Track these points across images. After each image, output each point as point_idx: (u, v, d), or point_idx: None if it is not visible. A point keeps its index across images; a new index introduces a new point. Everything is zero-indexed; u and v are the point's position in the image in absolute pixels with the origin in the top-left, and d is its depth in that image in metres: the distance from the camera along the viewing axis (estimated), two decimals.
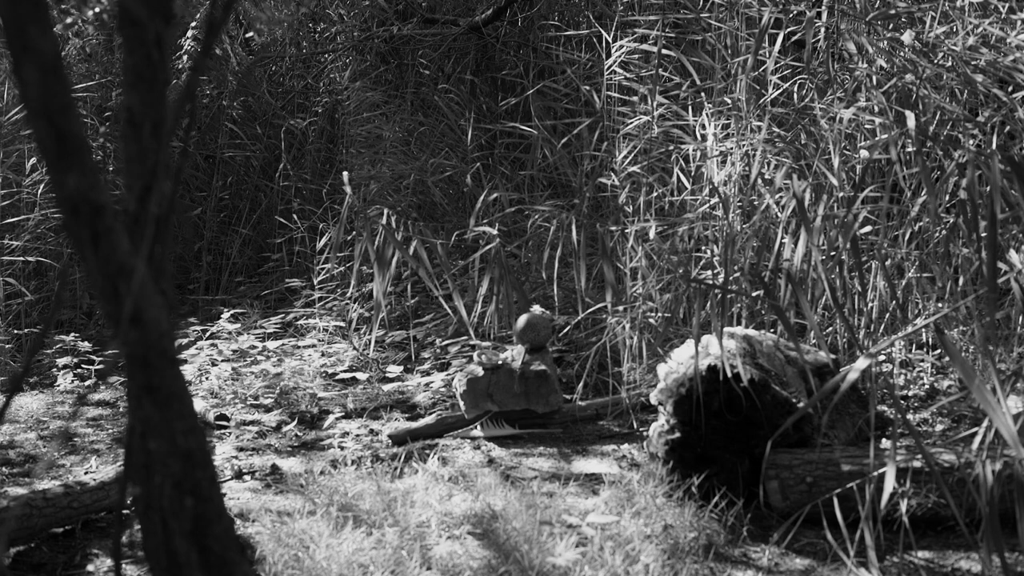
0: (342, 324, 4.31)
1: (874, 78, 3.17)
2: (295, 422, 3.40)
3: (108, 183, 5.11)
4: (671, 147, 3.44)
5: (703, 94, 3.50)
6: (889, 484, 1.99)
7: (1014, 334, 2.83)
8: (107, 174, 5.31)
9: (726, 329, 2.57)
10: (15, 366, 4.19)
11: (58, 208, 0.73)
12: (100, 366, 4.13)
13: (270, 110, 6.10)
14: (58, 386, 3.97)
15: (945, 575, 2.16)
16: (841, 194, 3.02)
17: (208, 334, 4.39)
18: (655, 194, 3.44)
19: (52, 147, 0.72)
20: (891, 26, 3.29)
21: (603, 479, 2.72)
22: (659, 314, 3.20)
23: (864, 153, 3.02)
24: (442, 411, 3.37)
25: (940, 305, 3.00)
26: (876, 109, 3.09)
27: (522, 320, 3.27)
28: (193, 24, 5.74)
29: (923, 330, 3.19)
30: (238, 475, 2.91)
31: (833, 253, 2.94)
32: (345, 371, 3.94)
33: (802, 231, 2.72)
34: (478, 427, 3.17)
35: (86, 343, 4.31)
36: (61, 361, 4.17)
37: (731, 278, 3.04)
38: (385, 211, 3.86)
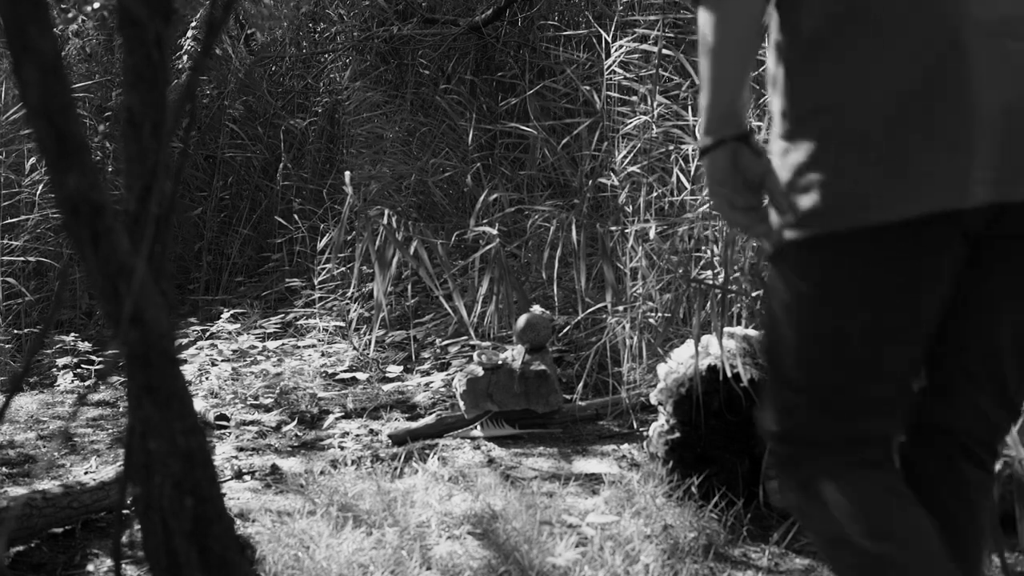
0: (342, 324, 4.31)
1: None
2: (295, 422, 3.40)
3: (108, 183, 5.11)
4: (671, 147, 3.44)
5: None
6: None
7: None
8: (107, 174, 5.31)
9: (726, 329, 2.57)
10: (15, 366, 4.19)
11: (58, 208, 0.73)
12: (100, 366, 4.13)
13: (270, 110, 6.10)
14: (58, 386, 3.97)
15: None
16: None
17: (208, 334, 4.39)
18: (655, 194, 3.44)
19: (52, 147, 0.72)
20: None
21: (603, 479, 2.72)
22: (659, 314, 3.20)
23: None
24: (442, 411, 3.37)
25: None
26: None
27: (522, 320, 3.27)
28: (193, 24, 5.74)
29: None
30: (238, 475, 2.91)
31: None
32: (345, 371, 3.94)
33: None
34: (478, 427, 3.17)
35: (86, 343, 4.31)
36: (61, 361, 4.17)
37: (731, 278, 3.04)
38: (386, 211, 3.87)
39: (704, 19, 1.23)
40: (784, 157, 1.24)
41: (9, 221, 4.77)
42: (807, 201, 1.21)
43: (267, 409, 3.54)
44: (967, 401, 1.32)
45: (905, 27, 1.18)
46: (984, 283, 1.27)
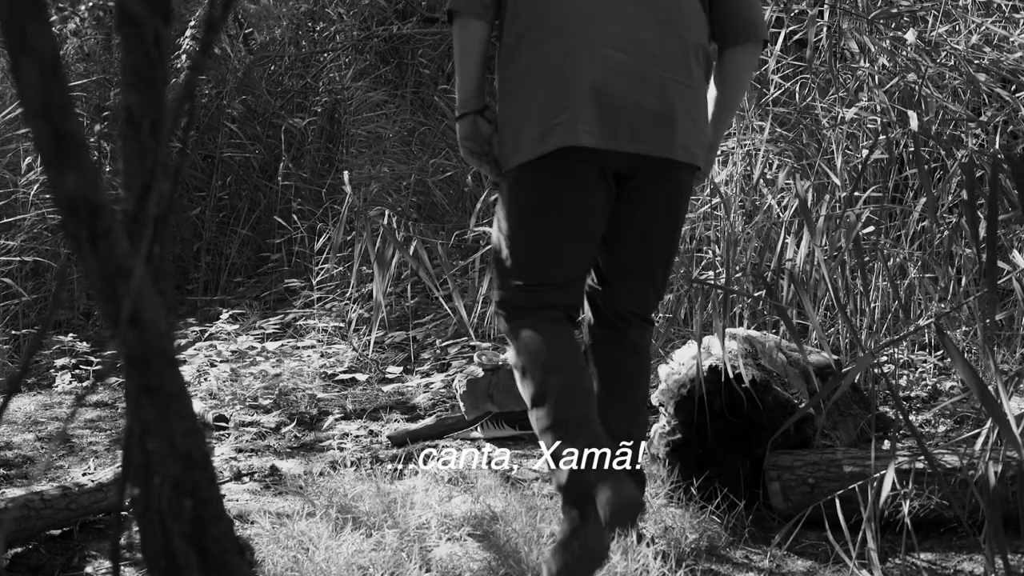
0: (341, 325, 4.30)
1: (876, 77, 3.16)
2: (294, 423, 3.39)
3: (106, 183, 5.10)
4: None
5: None
6: (887, 485, 1.98)
7: (1017, 335, 2.82)
8: (105, 174, 5.29)
9: (728, 330, 2.56)
10: (13, 367, 4.18)
11: (56, 208, 0.72)
12: (98, 367, 4.12)
13: (269, 109, 6.09)
14: (56, 387, 3.96)
15: None
16: (843, 194, 3.01)
17: (207, 335, 4.38)
18: None
19: (50, 147, 0.71)
20: (893, 24, 3.28)
21: None
22: (660, 315, 3.19)
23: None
24: (442, 412, 3.36)
25: (942, 306, 2.99)
26: (879, 108, 3.08)
27: None
28: (192, 23, 5.72)
29: (925, 330, 3.18)
30: (237, 476, 2.90)
31: (836, 253, 2.93)
32: (344, 372, 3.92)
33: (804, 231, 2.70)
34: (478, 428, 3.16)
35: (84, 344, 4.30)
36: (59, 362, 4.16)
37: (733, 278, 3.03)
38: (385, 211, 3.85)
39: (455, 33, 2.04)
40: (502, 111, 2.04)
41: (6, 221, 4.76)
42: (515, 144, 1.96)
43: (266, 410, 3.53)
44: (626, 288, 2.09)
45: (551, 41, 1.95)
46: (627, 213, 2.00)
